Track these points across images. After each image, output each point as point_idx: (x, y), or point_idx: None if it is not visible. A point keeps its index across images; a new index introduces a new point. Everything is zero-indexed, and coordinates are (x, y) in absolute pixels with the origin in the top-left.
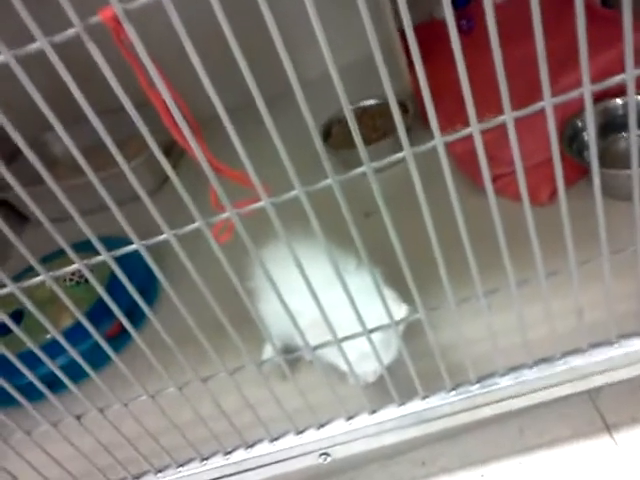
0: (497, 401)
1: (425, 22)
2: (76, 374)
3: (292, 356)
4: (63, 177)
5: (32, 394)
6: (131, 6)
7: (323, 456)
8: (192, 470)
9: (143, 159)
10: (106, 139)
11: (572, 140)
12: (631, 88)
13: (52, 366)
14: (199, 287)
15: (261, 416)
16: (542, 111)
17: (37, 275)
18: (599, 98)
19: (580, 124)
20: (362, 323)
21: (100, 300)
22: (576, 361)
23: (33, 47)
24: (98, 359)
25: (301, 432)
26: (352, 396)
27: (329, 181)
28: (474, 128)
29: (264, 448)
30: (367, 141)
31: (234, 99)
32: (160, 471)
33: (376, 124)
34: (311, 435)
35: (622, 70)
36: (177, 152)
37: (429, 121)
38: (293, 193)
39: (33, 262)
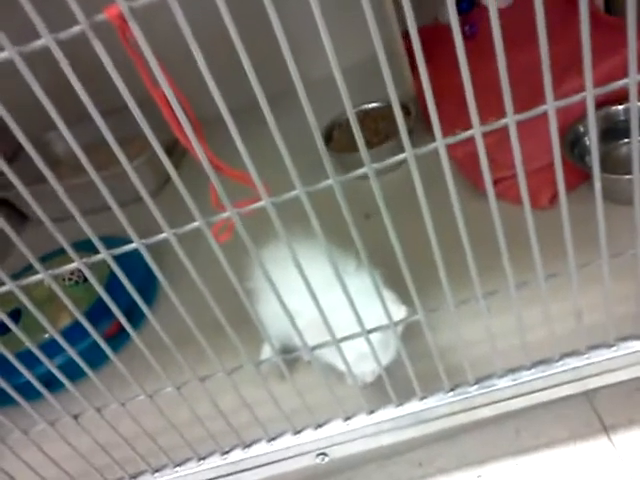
0: (495, 402)
1: (428, 25)
2: (74, 373)
3: (290, 356)
4: (65, 177)
5: (29, 393)
6: (137, 4)
7: (321, 456)
8: (189, 470)
9: (145, 159)
10: (109, 138)
11: (574, 145)
12: (633, 93)
13: (50, 365)
14: (198, 287)
15: (259, 416)
16: (544, 116)
17: (36, 274)
18: (601, 104)
19: (582, 129)
20: (361, 324)
21: (99, 300)
22: (574, 363)
23: (38, 44)
24: (96, 358)
25: (299, 432)
26: (350, 396)
27: (330, 181)
28: (476, 130)
29: (261, 448)
30: (369, 144)
31: (237, 100)
32: (157, 471)
33: (378, 127)
34: (309, 435)
35: (625, 77)
36: (179, 152)
37: (431, 124)
38: (294, 193)
39: (32, 260)
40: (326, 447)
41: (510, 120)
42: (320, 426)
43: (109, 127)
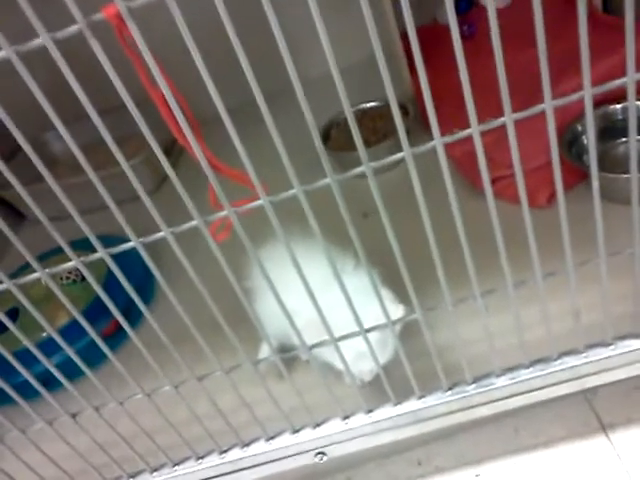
0: (493, 401)
1: (427, 25)
2: (72, 372)
3: (289, 355)
4: (62, 176)
5: (27, 392)
6: (134, 4)
7: (319, 455)
8: (188, 469)
9: (142, 158)
10: (107, 137)
11: (571, 144)
12: (631, 91)
13: (48, 364)
14: (196, 286)
15: (257, 415)
16: (542, 115)
17: (33, 272)
18: (599, 103)
19: (580, 128)
20: (359, 323)
21: (96, 299)
22: (572, 362)
23: (35, 43)
24: (94, 357)
25: (297, 431)
26: (348, 396)
27: (328, 180)
28: (474, 129)
29: (260, 447)
30: (367, 143)
31: (235, 99)
32: (156, 470)
33: (376, 126)
34: (307, 434)
35: (623, 75)
36: (177, 151)
37: (429, 125)
38: (292, 192)
39: (29, 258)
40: (325, 446)
41: (508, 119)
42: (318, 425)
43: (106, 126)
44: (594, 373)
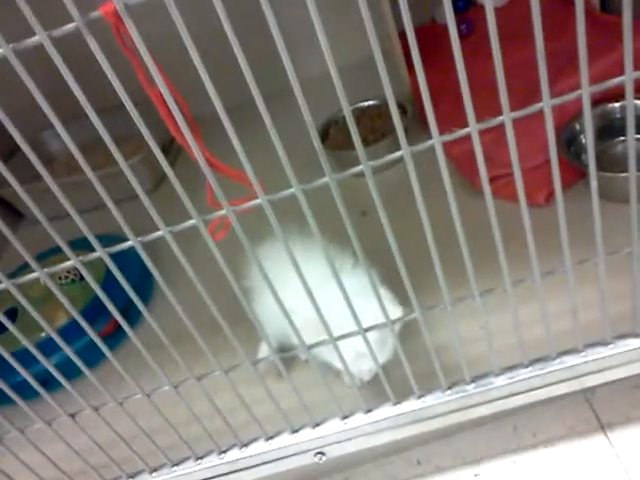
0: (492, 400)
1: (425, 24)
2: (70, 372)
3: (288, 355)
4: (59, 176)
5: (26, 392)
6: (132, 1)
7: (318, 455)
8: (187, 469)
9: (140, 158)
10: (105, 136)
11: (570, 143)
12: (629, 90)
13: (47, 364)
14: (195, 285)
15: (256, 415)
16: (540, 114)
17: (32, 272)
18: (597, 102)
19: (578, 127)
20: (358, 322)
21: (95, 299)
22: (571, 361)
23: (32, 41)
24: (92, 357)
25: (296, 431)
26: (347, 395)
27: (326, 179)
28: (472, 128)
29: (259, 447)
30: (365, 142)
31: (233, 98)
32: (155, 470)
33: (374, 125)
34: (306, 434)
35: (621, 74)
36: (174, 150)
37: (427, 124)
38: (290, 191)
39: (27, 258)
40: (324, 446)
41: (506, 118)
42: (318, 425)
43: (103, 126)
44: (593, 372)
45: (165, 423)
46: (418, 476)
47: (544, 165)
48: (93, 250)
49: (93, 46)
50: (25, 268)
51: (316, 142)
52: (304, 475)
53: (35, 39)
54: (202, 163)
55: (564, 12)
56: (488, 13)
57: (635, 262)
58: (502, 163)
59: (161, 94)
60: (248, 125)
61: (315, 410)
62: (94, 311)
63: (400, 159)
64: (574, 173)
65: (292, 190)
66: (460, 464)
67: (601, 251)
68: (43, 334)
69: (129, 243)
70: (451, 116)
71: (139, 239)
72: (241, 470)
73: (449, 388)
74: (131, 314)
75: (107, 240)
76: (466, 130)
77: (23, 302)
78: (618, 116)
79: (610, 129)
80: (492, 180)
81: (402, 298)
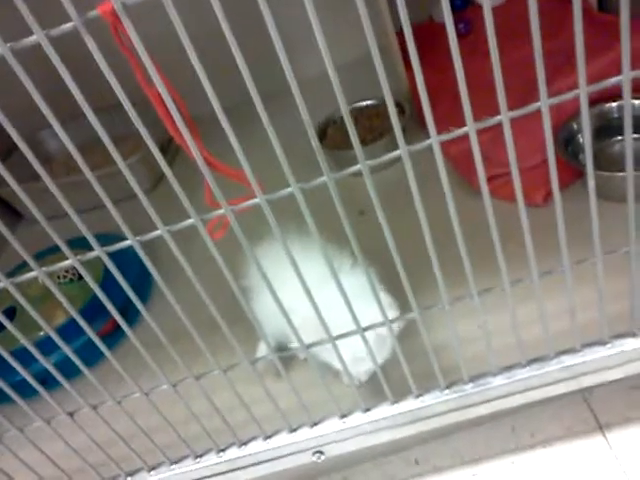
0: (490, 400)
1: (423, 23)
2: (69, 371)
3: (286, 354)
4: (57, 175)
5: (25, 391)
6: (129, 1)
7: (317, 454)
8: (185, 468)
9: (138, 157)
10: (103, 136)
11: (567, 143)
12: (627, 90)
13: (45, 363)
14: (193, 284)
15: (255, 414)
16: (537, 113)
17: (30, 271)
18: (594, 101)
19: (575, 127)
20: (356, 322)
21: (93, 298)
22: (569, 360)
23: (30, 40)
24: (91, 356)
25: (295, 430)
26: (346, 395)
27: (324, 178)
28: (470, 127)
29: (258, 446)
30: (363, 142)
31: (231, 98)
32: (154, 468)
33: (372, 125)
34: (305, 433)
35: (618, 74)
36: (172, 150)
37: (425, 124)
38: (288, 190)
39: (26, 257)
40: (322, 445)
41: (504, 117)
42: (316, 424)
43: (101, 125)
44: (591, 372)
45: (164, 422)
46: (416, 476)
47: (542, 165)
48: (91, 249)
49: (91, 45)
50: (24, 267)
51: (313, 140)
52: (303, 474)
53: (33, 38)
54: (200, 162)
55: (562, 11)
56: (486, 12)
57: (633, 261)
58: (500, 163)
59: (159, 93)
60: (246, 125)
61: (314, 409)
62: (93, 310)
63: (398, 159)
64: (572, 173)
65: (290, 189)
66: (458, 464)
67: (599, 251)
68: (42, 333)
69: (127, 242)
70: (449, 116)
71: (137, 238)
72: (239, 469)
73: (447, 387)
74: (130, 313)
75: (105, 239)
76: (464, 129)
77: (22, 301)
78: (616, 116)
79: (608, 129)
80: (490, 180)
81: (400, 298)
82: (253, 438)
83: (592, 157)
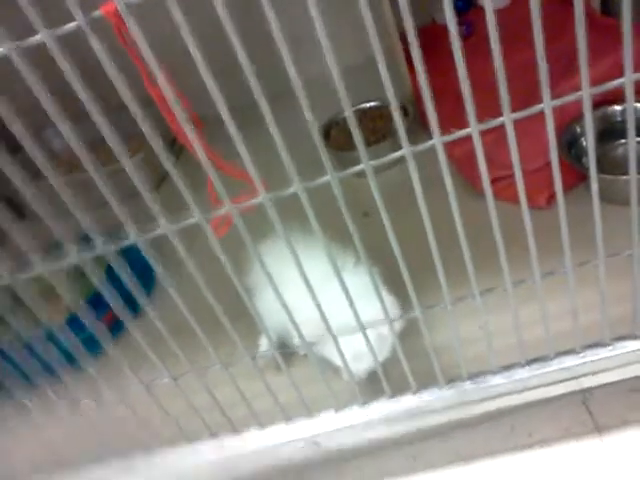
0: (489, 398)
1: (426, 25)
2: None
3: (287, 350)
4: (61, 174)
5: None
6: (133, 0)
7: (314, 446)
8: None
9: (143, 156)
10: (107, 134)
11: (571, 146)
12: (630, 92)
13: (47, 357)
14: (196, 281)
15: (254, 408)
16: (541, 116)
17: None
18: (598, 104)
19: (579, 130)
20: (358, 320)
21: (94, 296)
22: (569, 362)
23: (35, 39)
24: (91, 353)
25: (291, 420)
26: (345, 390)
27: (328, 178)
28: (473, 128)
29: (255, 436)
30: (366, 143)
31: (236, 98)
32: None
33: (376, 127)
34: (302, 425)
35: (621, 76)
36: (176, 150)
37: (428, 125)
38: (292, 189)
39: (29, 252)
40: (319, 436)
41: (507, 119)
42: (313, 416)
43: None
44: (591, 373)
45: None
46: (413, 471)
47: (545, 167)
48: (94, 247)
49: (95, 45)
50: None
51: (317, 139)
52: (298, 466)
53: (37, 38)
54: (203, 160)
55: (564, 14)
56: (488, 14)
57: (635, 264)
58: (503, 165)
59: (163, 92)
60: (250, 126)
61: (313, 405)
62: (94, 307)
63: (401, 160)
64: (575, 176)
65: (294, 188)
66: (456, 461)
67: (601, 253)
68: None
69: (132, 240)
70: (452, 117)
71: (141, 236)
72: (237, 459)
73: (446, 384)
74: (130, 311)
75: (108, 237)
76: (467, 131)
77: (24, 297)
78: (619, 119)
79: (611, 132)
80: (493, 182)
81: (402, 298)
82: (250, 428)
83: (595, 160)
